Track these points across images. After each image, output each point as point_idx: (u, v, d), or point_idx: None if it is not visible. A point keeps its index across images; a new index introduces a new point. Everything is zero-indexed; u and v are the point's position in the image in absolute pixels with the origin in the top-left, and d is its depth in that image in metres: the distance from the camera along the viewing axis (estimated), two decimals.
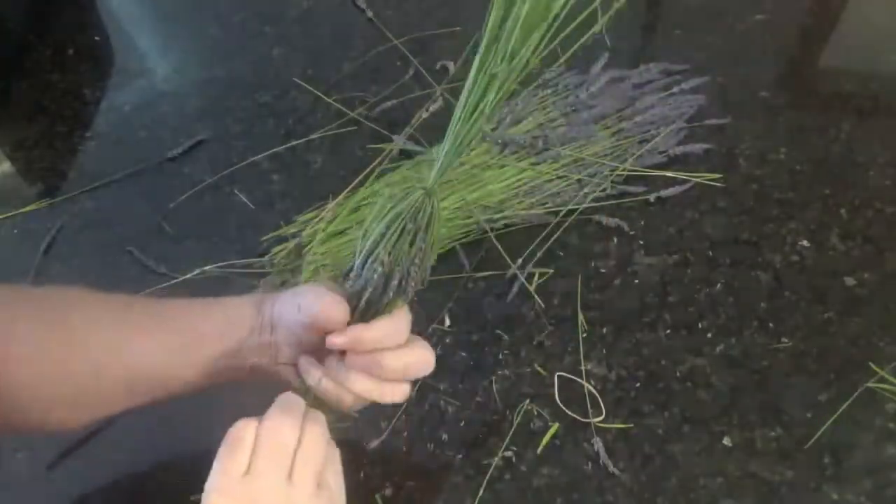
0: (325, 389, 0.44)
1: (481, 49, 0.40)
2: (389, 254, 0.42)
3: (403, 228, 0.42)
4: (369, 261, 0.42)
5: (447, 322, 0.66)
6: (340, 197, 0.73)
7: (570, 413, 0.61)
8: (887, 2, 0.91)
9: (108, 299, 0.46)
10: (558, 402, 0.61)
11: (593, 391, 0.62)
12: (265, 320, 0.46)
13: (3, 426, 0.44)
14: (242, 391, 0.63)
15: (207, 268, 0.69)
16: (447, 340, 0.65)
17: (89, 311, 0.45)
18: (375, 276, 0.42)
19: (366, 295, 0.43)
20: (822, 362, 0.63)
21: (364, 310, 0.44)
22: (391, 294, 0.43)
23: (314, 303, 0.43)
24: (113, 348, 0.44)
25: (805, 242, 0.70)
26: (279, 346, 0.46)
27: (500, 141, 0.75)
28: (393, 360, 0.43)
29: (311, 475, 0.39)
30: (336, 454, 0.43)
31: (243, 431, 0.40)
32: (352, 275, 0.44)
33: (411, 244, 0.42)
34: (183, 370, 0.46)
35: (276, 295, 0.47)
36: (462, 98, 0.42)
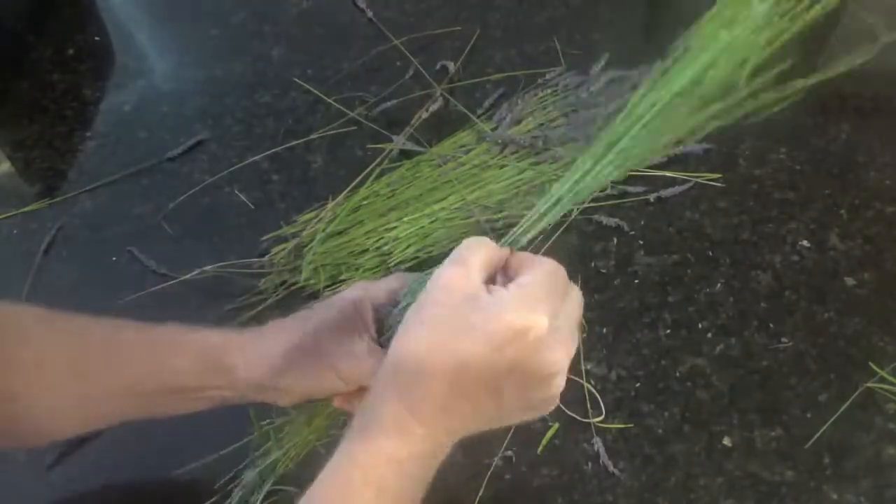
0: None
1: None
2: None
3: None
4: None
5: None
6: (340, 197, 0.73)
7: (570, 413, 0.61)
8: (887, 2, 0.91)
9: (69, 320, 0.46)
10: (558, 401, 0.61)
11: (593, 391, 0.62)
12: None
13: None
14: None
15: (207, 268, 0.69)
16: None
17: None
18: None
19: None
20: (822, 362, 0.63)
21: None
22: None
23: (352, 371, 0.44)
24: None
25: (805, 242, 0.70)
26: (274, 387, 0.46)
27: (500, 141, 0.75)
28: None
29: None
30: None
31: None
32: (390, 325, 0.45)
33: None
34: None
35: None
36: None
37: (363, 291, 0.46)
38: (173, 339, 0.46)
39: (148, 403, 0.46)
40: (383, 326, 0.45)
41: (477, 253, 0.38)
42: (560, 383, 0.38)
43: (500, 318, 0.35)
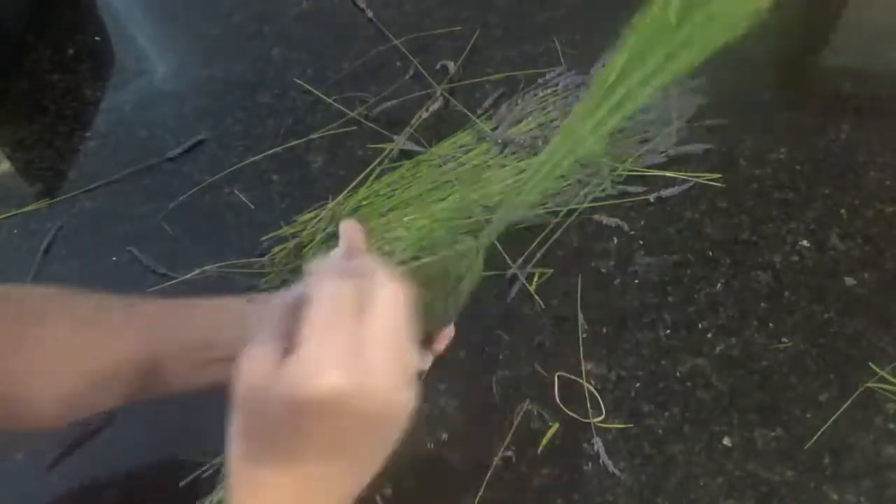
0: None
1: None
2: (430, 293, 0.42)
3: (446, 269, 0.42)
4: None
5: None
6: (340, 197, 0.73)
7: (570, 413, 0.61)
8: (887, 2, 0.91)
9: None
10: (558, 402, 0.61)
11: (593, 391, 0.62)
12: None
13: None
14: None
15: (207, 268, 0.69)
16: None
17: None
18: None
19: None
20: (822, 362, 0.63)
21: None
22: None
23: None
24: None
25: (805, 242, 0.70)
26: None
27: (500, 141, 0.75)
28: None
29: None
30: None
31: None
32: None
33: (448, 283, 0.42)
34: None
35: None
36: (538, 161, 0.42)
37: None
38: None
39: (156, 380, 0.47)
40: None
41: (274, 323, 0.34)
42: (403, 414, 0.34)
43: (297, 396, 0.30)
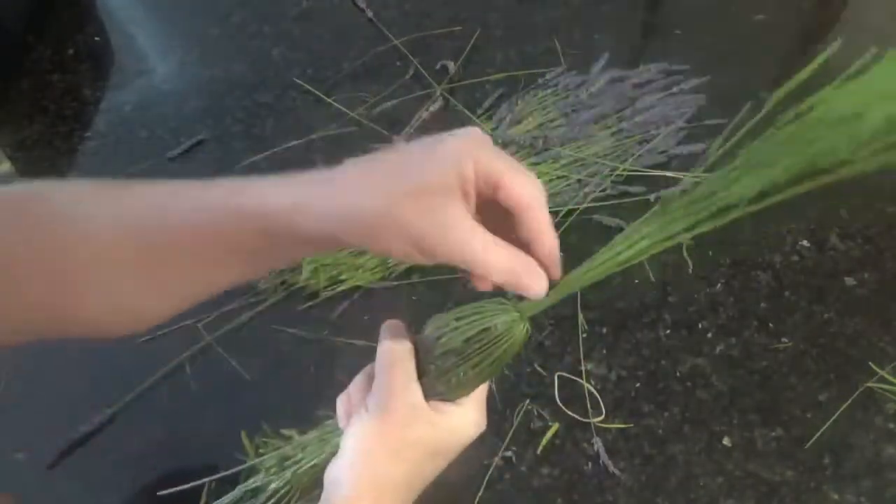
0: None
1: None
2: (468, 363, 0.42)
3: (487, 342, 0.42)
4: (445, 354, 0.42)
5: None
6: None
7: (570, 413, 0.61)
8: (887, 2, 0.91)
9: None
10: (558, 402, 0.61)
11: (593, 391, 0.62)
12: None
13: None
14: (239, 397, 0.64)
15: None
16: None
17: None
18: (449, 373, 0.42)
19: (436, 373, 0.43)
20: (822, 362, 0.63)
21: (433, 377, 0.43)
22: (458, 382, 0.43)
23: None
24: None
25: (805, 242, 0.70)
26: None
27: (500, 141, 0.75)
28: None
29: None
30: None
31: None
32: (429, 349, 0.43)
33: (488, 353, 0.42)
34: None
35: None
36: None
37: (473, 152, 0.36)
38: (235, 205, 0.38)
39: (210, 276, 0.39)
40: (420, 357, 0.43)
41: (403, 368, 0.42)
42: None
43: (461, 439, 0.43)
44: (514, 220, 0.38)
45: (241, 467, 0.55)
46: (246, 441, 0.58)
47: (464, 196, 0.36)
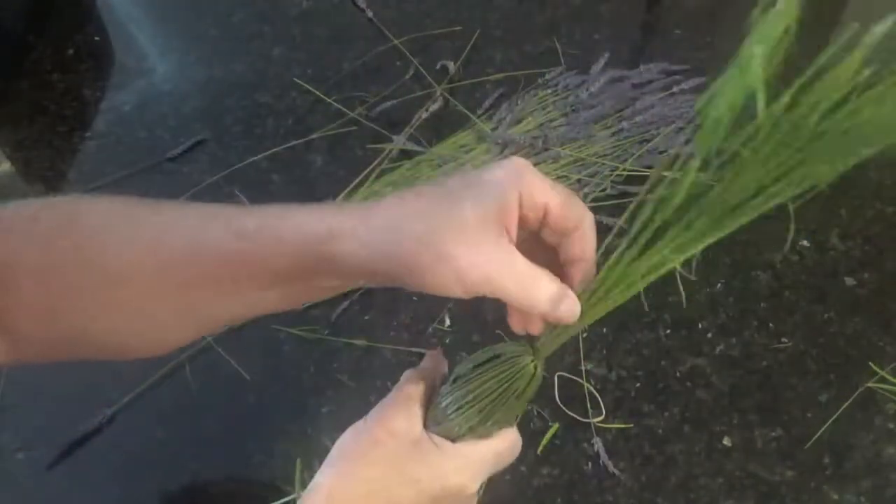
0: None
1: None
2: (480, 411, 0.40)
3: (502, 389, 0.41)
4: (458, 406, 0.41)
5: (447, 322, 0.66)
6: (340, 197, 0.73)
7: (570, 413, 0.61)
8: (887, 2, 0.91)
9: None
10: (558, 402, 0.61)
11: (593, 391, 0.62)
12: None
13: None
14: (239, 397, 0.64)
15: None
16: (447, 340, 0.65)
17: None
18: (463, 422, 0.41)
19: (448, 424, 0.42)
20: (822, 362, 0.63)
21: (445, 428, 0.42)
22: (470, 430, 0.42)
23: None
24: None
25: (805, 242, 0.70)
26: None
27: (500, 141, 0.75)
28: None
29: None
30: None
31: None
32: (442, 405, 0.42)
33: (502, 399, 0.41)
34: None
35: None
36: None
37: (517, 182, 0.35)
38: (270, 231, 0.38)
39: (239, 304, 0.39)
40: (430, 399, 0.42)
41: (417, 388, 0.40)
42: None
43: (445, 479, 0.39)
44: (559, 246, 0.38)
45: (286, 499, 0.55)
46: (298, 470, 0.56)
47: (507, 229, 0.35)
